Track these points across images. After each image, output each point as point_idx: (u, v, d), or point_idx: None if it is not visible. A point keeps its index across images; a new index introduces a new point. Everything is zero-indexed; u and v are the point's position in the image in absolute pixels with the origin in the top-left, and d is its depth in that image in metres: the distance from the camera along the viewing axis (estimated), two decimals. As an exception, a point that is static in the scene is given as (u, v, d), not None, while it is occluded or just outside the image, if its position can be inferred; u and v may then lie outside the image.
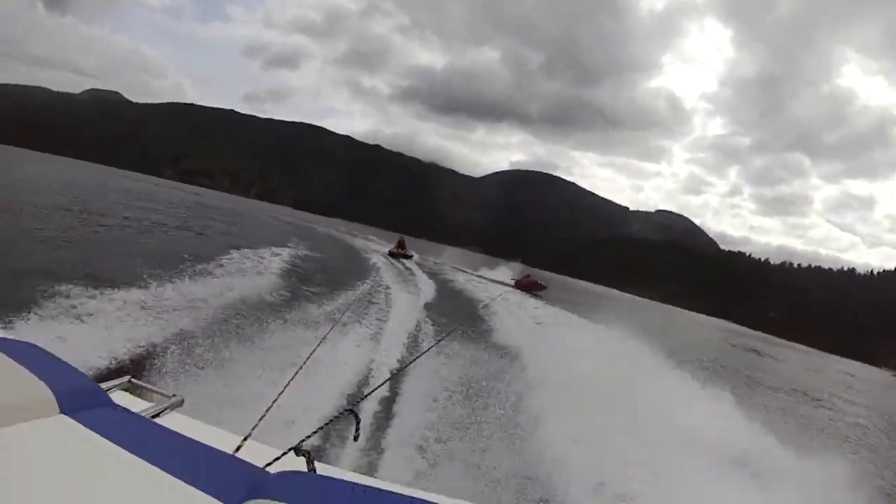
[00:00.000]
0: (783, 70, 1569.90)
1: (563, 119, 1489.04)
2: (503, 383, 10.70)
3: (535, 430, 8.53)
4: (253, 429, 2.61)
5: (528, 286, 47.89)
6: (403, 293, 23.27)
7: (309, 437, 2.84)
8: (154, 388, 2.40)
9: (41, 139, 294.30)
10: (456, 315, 21.09)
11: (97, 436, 1.45)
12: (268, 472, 1.51)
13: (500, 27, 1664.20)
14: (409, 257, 49.26)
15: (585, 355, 15.24)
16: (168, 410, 2.27)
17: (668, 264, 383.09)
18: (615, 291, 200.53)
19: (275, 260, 22.87)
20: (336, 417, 3.00)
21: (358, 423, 2.81)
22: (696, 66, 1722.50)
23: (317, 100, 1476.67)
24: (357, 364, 10.62)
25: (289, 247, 30.57)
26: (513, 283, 50.34)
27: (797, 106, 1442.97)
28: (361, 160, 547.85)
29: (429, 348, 6.29)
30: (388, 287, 23.95)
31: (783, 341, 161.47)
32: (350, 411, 2.85)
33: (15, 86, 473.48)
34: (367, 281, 24.56)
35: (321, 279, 21.68)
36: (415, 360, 5.28)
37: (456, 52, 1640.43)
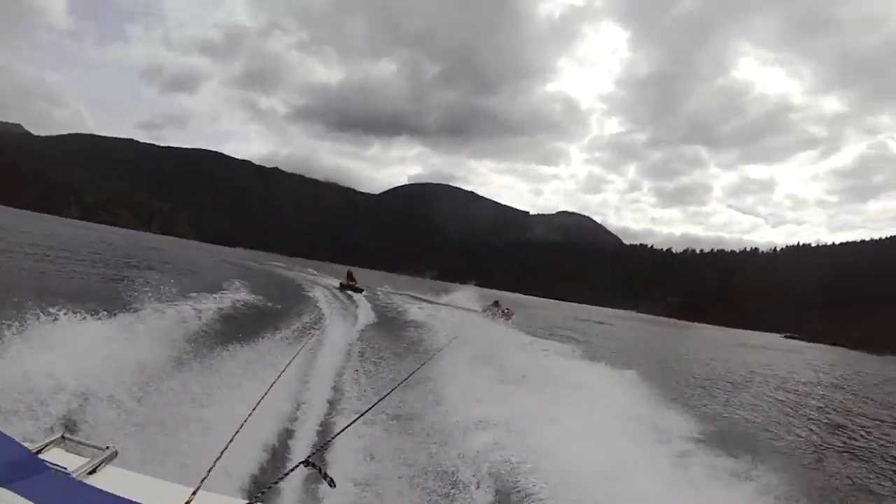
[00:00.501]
0: (678, 67, 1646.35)
1: (460, 129, 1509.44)
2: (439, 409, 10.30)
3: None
4: (202, 480, 2.49)
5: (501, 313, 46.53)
6: (337, 324, 22.59)
7: (269, 488, 2.94)
8: (87, 443, 2.33)
9: None
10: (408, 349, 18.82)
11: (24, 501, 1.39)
12: None
13: (400, 39, 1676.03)
14: (359, 290, 47.21)
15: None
16: (103, 465, 2.18)
17: (572, 264, 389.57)
18: (520, 296, 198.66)
19: (205, 302, 20.02)
20: (295, 468, 2.94)
21: (321, 471, 2.77)
22: (592, 68, 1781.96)
23: (215, 123, 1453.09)
24: (312, 409, 10.02)
25: (225, 289, 26.70)
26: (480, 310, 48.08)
27: (693, 100, 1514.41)
28: (261, 185, 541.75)
29: (389, 391, 5.57)
30: (323, 318, 23.58)
31: (684, 322, 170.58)
32: (308, 462, 2.82)
33: None
34: (307, 317, 23.32)
35: (255, 318, 20.16)
36: (376, 403, 4.59)
37: (353, 66, 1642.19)
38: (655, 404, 13.55)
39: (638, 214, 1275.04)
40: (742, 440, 12.78)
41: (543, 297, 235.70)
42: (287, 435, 8.47)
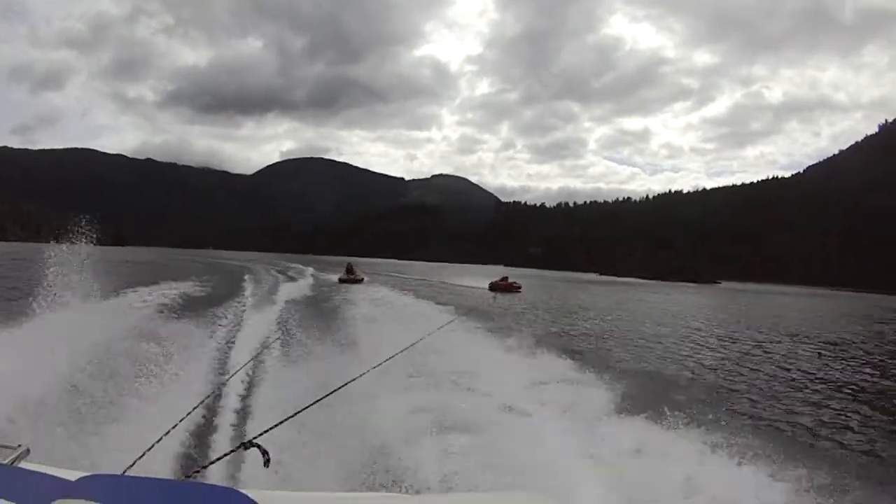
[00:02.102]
0: (548, 25, 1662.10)
1: (330, 100, 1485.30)
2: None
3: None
4: (129, 466, 2.53)
5: (504, 288, 49.71)
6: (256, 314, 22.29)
7: (204, 467, 2.96)
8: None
9: None
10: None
11: None
12: (80, 481, 1.51)
13: (264, 13, 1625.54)
14: (359, 281, 47.49)
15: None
16: (17, 462, 2.17)
17: (447, 225, 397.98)
18: (394, 261, 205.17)
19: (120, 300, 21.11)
20: (235, 450, 2.91)
21: (264, 452, 2.78)
22: (460, 30, 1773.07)
23: (86, 119, 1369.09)
24: (262, 394, 10.38)
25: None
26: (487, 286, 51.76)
27: (564, 57, 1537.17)
28: (136, 178, 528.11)
29: (341, 385, 4.94)
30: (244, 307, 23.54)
31: (544, 272, 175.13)
32: (249, 444, 2.83)
33: None
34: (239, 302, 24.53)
35: (190, 308, 20.55)
36: (328, 394, 4.25)
37: (220, 46, 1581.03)
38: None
39: (514, 171, 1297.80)
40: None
41: (416, 260, 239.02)
42: (235, 420, 8.91)
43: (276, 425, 3.30)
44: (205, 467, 3.00)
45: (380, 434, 7.80)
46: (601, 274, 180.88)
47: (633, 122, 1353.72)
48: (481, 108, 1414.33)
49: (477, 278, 64.64)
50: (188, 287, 29.10)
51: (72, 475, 1.64)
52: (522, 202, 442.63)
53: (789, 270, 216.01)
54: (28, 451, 2.30)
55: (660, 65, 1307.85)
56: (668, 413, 8.89)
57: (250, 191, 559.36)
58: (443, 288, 51.02)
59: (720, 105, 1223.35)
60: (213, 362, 13.10)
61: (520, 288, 49.97)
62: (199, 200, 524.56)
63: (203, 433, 8.02)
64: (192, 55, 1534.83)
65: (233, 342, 15.35)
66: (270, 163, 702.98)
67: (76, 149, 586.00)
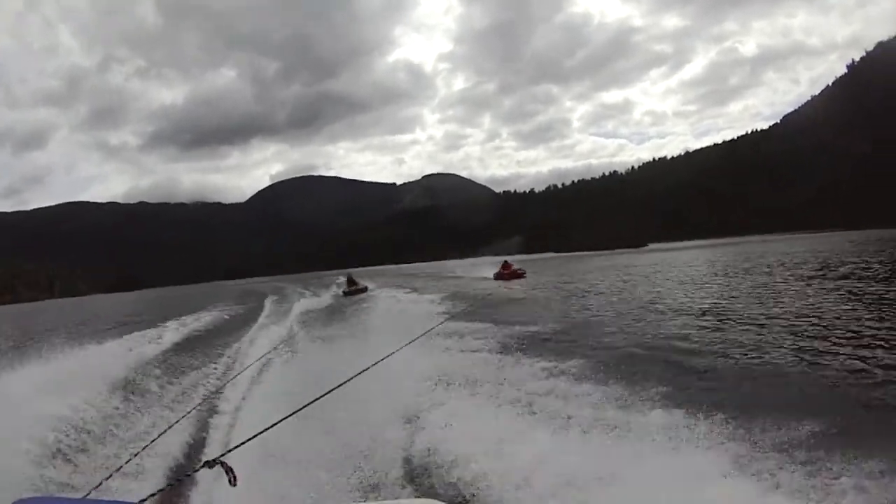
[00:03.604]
0: (514, 13, 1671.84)
1: (311, 119, 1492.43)
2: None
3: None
4: (94, 488, 2.71)
5: (510, 275, 49.31)
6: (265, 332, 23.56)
7: (163, 490, 3.13)
8: None
9: None
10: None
11: None
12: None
13: (234, 44, 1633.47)
14: (363, 290, 45.71)
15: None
16: None
17: (445, 223, 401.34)
18: (397, 266, 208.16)
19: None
20: (198, 469, 3.04)
21: (228, 470, 2.83)
22: (429, 31, 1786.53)
23: (73, 172, 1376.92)
24: (231, 413, 10.83)
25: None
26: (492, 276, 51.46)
27: (534, 42, 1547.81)
28: (132, 223, 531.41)
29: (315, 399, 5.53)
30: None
31: (544, 255, 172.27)
32: (214, 463, 2.90)
33: None
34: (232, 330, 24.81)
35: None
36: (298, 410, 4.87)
37: (195, 81, 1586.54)
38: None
39: (504, 160, 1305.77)
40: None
41: (419, 262, 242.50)
42: (200, 441, 9.11)
43: (242, 443, 3.42)
44: (162, 490, 3.06)
45: (350, 448, 8.03)
46: (594, 249, 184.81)
47: (612, 95, 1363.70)
48: (461, 103, 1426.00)
49: (481, 269, 63.16)
50: (193, 320, 29.94)
51: (3, 499, 1.80)
52: (512, 190, 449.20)
53: (774, 221, 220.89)
54: None
55: (630, 34, 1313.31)
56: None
57: (246, 218, 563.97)
58: (451, 283, 50.30)
59: (696, 66, 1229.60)
60: (200, 385, 13.92)
61: (524, 274, 50.45)
62: (197, 235, 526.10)
63: (172, 453, 8.18)
64: (169, 94, 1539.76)
65: (218, 370, 15.84)
66: (262, 188, 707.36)
67: (68, 203, 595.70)
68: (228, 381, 12.77)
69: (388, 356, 7.68)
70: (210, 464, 2.88)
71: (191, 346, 20.07)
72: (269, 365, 14.69)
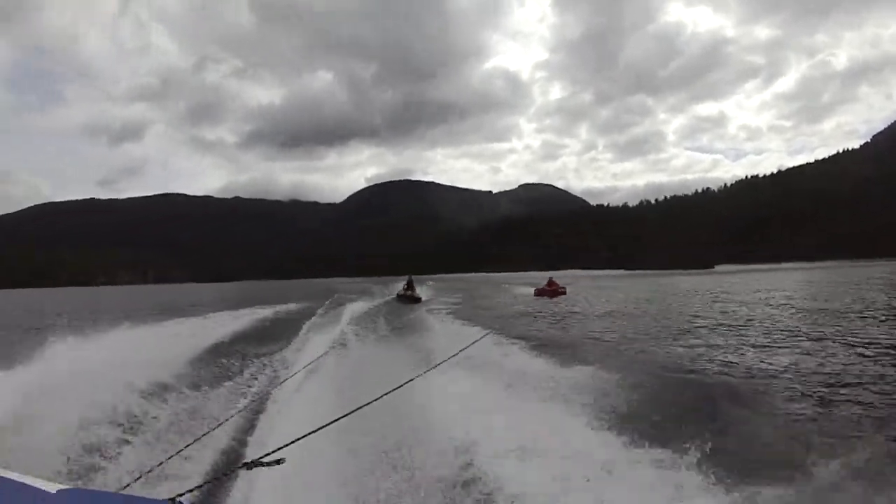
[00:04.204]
0: (607, 22, 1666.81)
1: (408, 123, 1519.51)
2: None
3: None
4: (129, 484, 2.78)
5: (549, 293, 48.30)
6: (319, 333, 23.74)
7: (200, 487, 3.03)
8: None
9: None
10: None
11: None
12: (59, 493, 1.59)
13: (331, 47, 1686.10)
14: (418, 300, 43.87)
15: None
16: None
17: (535, 234, 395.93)
18: (481, 274, 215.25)
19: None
20: (234, 471, 3.25)
21: (270, 465, 2.89)
22: (524, 39, 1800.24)
23: (169, 165, 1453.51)
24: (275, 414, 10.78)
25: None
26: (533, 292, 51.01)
27: (628, 52, 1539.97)
28: (226, 217, 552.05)
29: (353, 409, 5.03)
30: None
31: (618, 272, 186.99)
32: (256, 463, 2.93)
33: None
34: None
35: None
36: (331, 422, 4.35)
37: (291, 83, 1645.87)
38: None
39: (599, 172, 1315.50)
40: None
41: (506, 271, 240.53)
42: (243, 440, 9.10)
43: (282, 447, 3.46)
44: (199, 487, 2.99)
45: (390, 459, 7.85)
46: (663, 268, 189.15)
47: (707, 108, 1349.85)
48: (557, 113, 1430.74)
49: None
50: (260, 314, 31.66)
51: (50, 486, 1.61)
52: (606, 204, 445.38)
53: (850, 246, 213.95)
54: None
55: (723, 45, 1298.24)
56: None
57: (340, 219, 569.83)
58: (504, 297, 50.04)
59: (789, 79, 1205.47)
60: (254, 381, 14.34)
61: (565, 291, 49.07)
62: (290, 232, 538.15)
63: (215, 451, 8.28)
64: (266, 94, 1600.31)
65: (271, 368, 16.01)
66: (357, 189, 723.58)
67: (163, 194, 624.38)
68: (279, 382, 12.98)
69: (428, 371, 7.79)
70: (249, 465, 2.97)
71: (251, 340, 20.78)
72: (321, 366, 14.13)
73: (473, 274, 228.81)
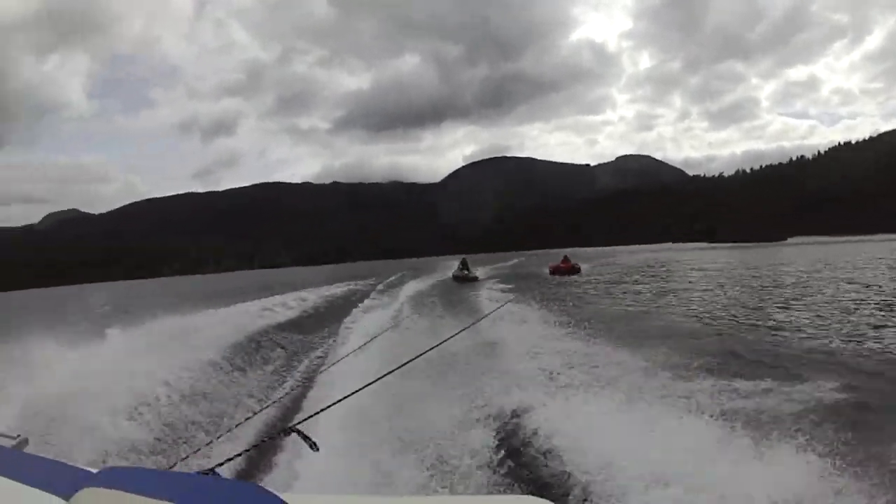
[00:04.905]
0: None
1: (500, 99, 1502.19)
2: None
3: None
4: (180, 459, 2.92)
5: (566, 270, 48.96)
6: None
7: (239, 454, 3.07)
8: None
9: (36, 276, 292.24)
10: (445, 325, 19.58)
11: None
12: (101, 472, 1.61)
13: (413, 30, 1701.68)
14: (474, 279, 45.37)
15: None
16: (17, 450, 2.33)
17: (633, 207, 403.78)
18: (610, 248, 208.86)
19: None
20: (278, 435, 3.14)
21: (308, 439, 2.82)
22: (606, 8, 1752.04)
23: (264, 155, 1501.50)
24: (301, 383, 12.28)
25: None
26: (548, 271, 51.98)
27: (712, 16, 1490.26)
28: (326, 201, 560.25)
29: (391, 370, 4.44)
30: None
31: (691, 244, 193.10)
32: (291, 430, 2.90)
33: None
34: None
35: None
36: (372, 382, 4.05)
37: (378, 68, 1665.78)
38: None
39: (695, 142, 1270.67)
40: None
41: (602, 245, 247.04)
42: (282, 408, 9.79)
43: (320, 410, 3.47)
44: (239, 455, 3.04)
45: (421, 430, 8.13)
46: (735, 241, 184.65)
47: (797, 72, 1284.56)
48: (648, 82, 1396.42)
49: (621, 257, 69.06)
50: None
51: (92, 467, 1.68)
52: (702, 174, 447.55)
53: None
54: (27, 441, 2.46)
55: (807, 4, 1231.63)
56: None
57: (440, 198, 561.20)
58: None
59: (876, 37, 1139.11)
60: (311, 352, 16.21)
61: (579, 269, 49.47)
62: (390, 213, 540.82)
63: (264, 424, 8.68)
64: (354, 81, 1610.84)
65: (329, 343, 17.66)
66: (455, 168, 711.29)
67: (262, 183, 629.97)
68: (334, 356, 13.90)
69: (459, 333, 7.01)
70: (287, 431, 2.99)
71: (319, 316, 22.52)
72: (375, 340, 11.90)
73: (570, 249, 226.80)
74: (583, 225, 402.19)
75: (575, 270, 49.03)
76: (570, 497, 6.01)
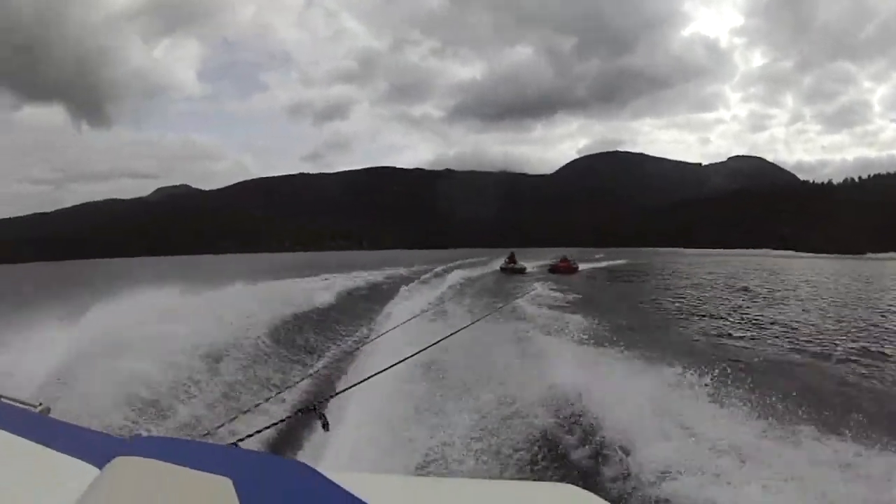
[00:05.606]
0: None
1: (612, 93, 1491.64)
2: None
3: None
4: (207, 432, 2.92)
5: (563, 269, 49.09)
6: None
7: (259, 431, 3.12)
8: (21, 400, 2.48)
9: (152, 245, 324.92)
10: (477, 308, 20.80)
11: None
12: (134, 440, 1.65)
13: (525, 21, 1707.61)
14: (521, 271, 47.10)
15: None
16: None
17: (744, 211, 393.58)
18: (717, 250, 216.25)
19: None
20: (297, 414, 3.25)
21: (323, 418, 2.96)
22: (716, 3, 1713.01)
23: (376, 140, 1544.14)
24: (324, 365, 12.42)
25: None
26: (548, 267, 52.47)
27: (822, 13, 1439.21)
28: (438, 188, 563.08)
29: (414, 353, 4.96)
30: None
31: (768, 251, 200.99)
32: (307, 409, 3.03)
33: (86, 204, 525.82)
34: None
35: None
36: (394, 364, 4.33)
37: (491, 58, 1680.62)
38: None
39: (808, 145, 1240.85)
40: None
41: (712, 248, 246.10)
42: (299, 391, 9.74)
43: (338, 392, 3.59)
44: (259, 431, 3.09)
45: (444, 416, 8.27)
46: (818, 252, 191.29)
47: None
48: (760, 80, 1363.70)
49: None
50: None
51: (125, 434, 1.86)
52: (811, 180, 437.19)
53: None
54: (48, 409, 2.48)
55: None
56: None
57: (551, 190, 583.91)
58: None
59: None
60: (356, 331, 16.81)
61: (576, 269, 50.00)
62: (501, 204, 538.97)
63: (292, 403, 8.56)
64: (468, 70, 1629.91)
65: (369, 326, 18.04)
66: (568, 161, 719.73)
67: (374, 167, 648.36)
68: (372, 336, 14.05)
69: (477, 321, 8.08)
70: (304, 410, 3.09)
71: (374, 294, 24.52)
72: (413, 325, 12.71)
73: (669, 249, 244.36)
74: (691, 225, 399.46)
75: (572, 270, 49.59)
76: (613, 488, 6.15)
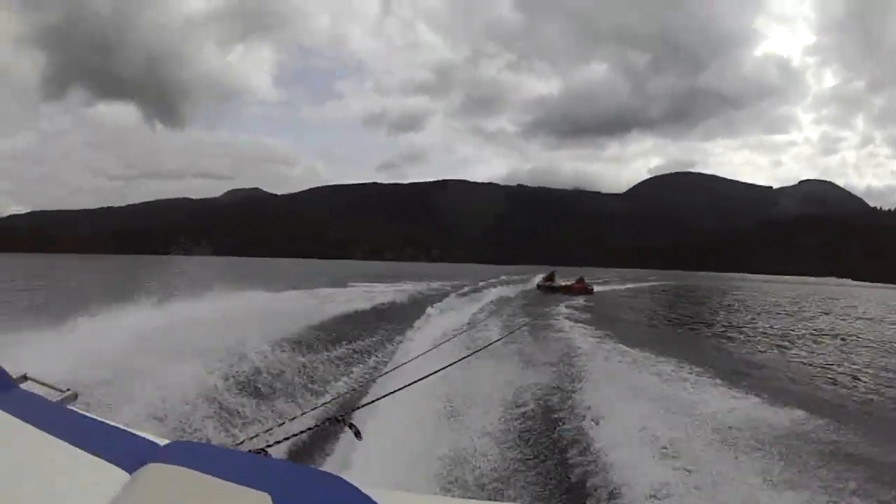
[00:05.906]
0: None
1: (685, 113, 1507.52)
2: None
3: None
4: (240, 442, 2.96)
5: (578, 290, 48.53)
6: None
7: (286, 439, 3.16)
8: (49, 383, 2.47)
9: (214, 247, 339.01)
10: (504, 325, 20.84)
11: (8, 416, 1.68)
12: (161, 444, 1.63)
13: (601, 38, 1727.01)
14: (558, 289, 47.36)
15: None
16: (64, 404, 2.33)
17: (814, 238, 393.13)
18: (774, 276, 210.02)
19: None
20: (324, 423, 3.25)
21: (353, 427, 2.97)
22: (788, 21, 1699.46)
23: (450, 153, 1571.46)
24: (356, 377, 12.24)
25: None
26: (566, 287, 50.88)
27: (892, 32, 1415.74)
28: (510, 203, 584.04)
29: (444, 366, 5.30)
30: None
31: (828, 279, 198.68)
32: (337, 420, 3.07)
33: (157, 201, 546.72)
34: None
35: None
36: (425, 377, 4.58)
37: (567, 74, 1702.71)
38: None
39: (879, 170, 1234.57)
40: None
41: (780, 274, 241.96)
42: (334, 400, 9.45)
43: (366, 403, 3.65)
44: (287, 438, 3.16)
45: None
46: (863, 280, 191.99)
47: None
48: (832, 101, 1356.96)
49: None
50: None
51: (159, 439, 1.69)
52: (879, 207, 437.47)
53: None
54: (75, 395, 2.47)
55: None
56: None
57: (622, 209, 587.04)
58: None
59: None
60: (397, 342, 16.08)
61: (591, 291, 48.86)
62: (573, 222, 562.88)
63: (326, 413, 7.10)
64: (544, 86, 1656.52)
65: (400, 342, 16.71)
66: (640, 180, 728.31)
67: (447, 180, 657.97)
68: (403, 351, 13.91)
69: (493, 342, 8.50)
70: (333, 420, 3.10)
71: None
72: (447, 336, 13.84)
73: (720, 273, 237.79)
74: (754, 250, 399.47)
75: (587, 291, 48.02)
76: None
